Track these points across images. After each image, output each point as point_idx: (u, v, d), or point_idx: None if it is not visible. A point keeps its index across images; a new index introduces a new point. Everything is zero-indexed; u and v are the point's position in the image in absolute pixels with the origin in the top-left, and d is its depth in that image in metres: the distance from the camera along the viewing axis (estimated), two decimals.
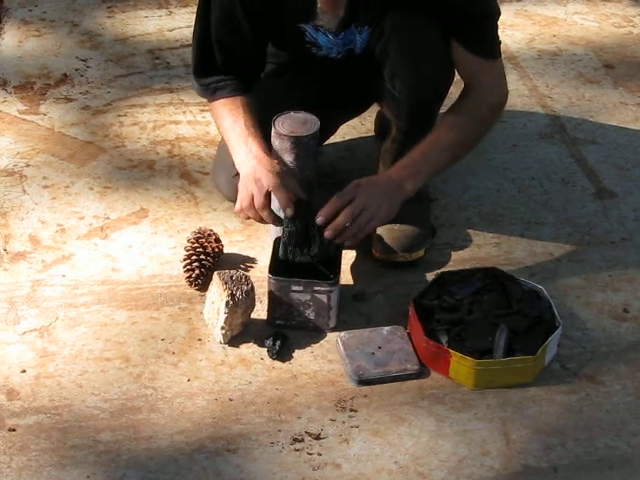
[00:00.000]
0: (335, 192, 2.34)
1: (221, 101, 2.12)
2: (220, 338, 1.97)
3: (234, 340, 1.98)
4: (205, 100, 2.57)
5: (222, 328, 1.96)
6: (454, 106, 2.10)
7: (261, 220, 2.02)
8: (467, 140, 2.08)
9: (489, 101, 2.08)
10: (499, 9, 2.05)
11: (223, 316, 1.94)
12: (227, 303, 1.93)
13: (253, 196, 1.99)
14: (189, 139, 2.52)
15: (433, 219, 2.27)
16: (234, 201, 2.23)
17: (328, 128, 2.31)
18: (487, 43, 2.05)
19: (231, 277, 1.97)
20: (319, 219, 1.96)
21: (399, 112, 2.13)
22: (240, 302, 1.95)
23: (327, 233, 1.96)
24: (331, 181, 2.38)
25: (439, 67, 2.06)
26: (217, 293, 1.96)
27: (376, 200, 1.98)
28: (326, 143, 2.37)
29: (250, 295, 1.98)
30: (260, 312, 2.04)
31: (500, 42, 2.08)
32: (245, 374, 1.92)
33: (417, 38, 2.00)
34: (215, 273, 2.00)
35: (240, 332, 1.99)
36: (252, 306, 2.00)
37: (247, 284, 1.98)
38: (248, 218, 2.05)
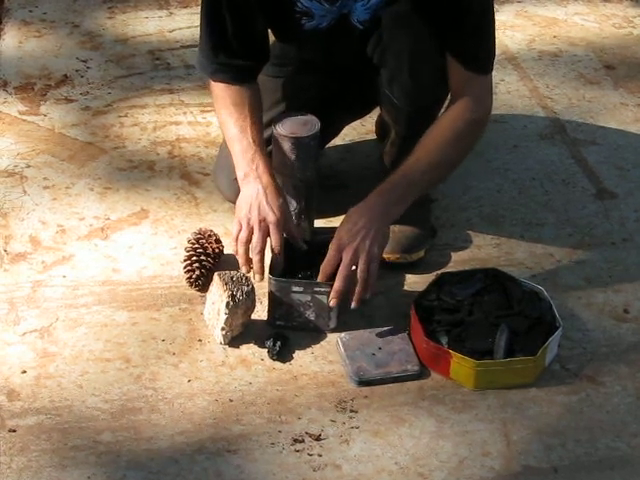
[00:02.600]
0: (335, 193, 2.35)
1: (224, 89, 2.07)
2: (220, 339, 1.97)
3: (234, 341, 1.98)
4: (206, 101, 2.58)
5: (222, 329, 1.96)
6: (435, 123, 2.06)
7: (246, 262, 1.98)
8: (447, 159, 2.05)
9: (470, 117, 2.03)
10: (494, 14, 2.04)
11: (223, 317, 1.94)
12: (227, 304, 1.93)
13: (252, 233, 1.97)
14: (189, 140, 2.52)
15: (433, 220, 2.27)
16: (234, 202, 2.25)
17: (331, 130, 2.31)
18: (480, 57, 2.04)
19: (231, 278, 1.97)
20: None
21: (397, 117, 2.13)
22: (240, 303, 1.95)
23: (332, 302, 1.95)
24: (331, 183, 2.38)
25: (438, 74, 2.04)
26: (217, 294, 1.96)
27: (364, 242, 1.94)
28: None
29: (250, 296, 1.98)
30: (260, 313, 2.04)
31: (494, 56, 2.06)
32: (245, 375, 1.92)
33: (416, 45, 1.99)
34: (215, 274, 2.00)
35: (240, 333, 1.99)
36: (252, 307, 2.00)
37: (247, 285, 1.98)
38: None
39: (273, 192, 1.99)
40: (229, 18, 2.02)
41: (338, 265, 1.95)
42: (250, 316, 2.00)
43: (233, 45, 2.05)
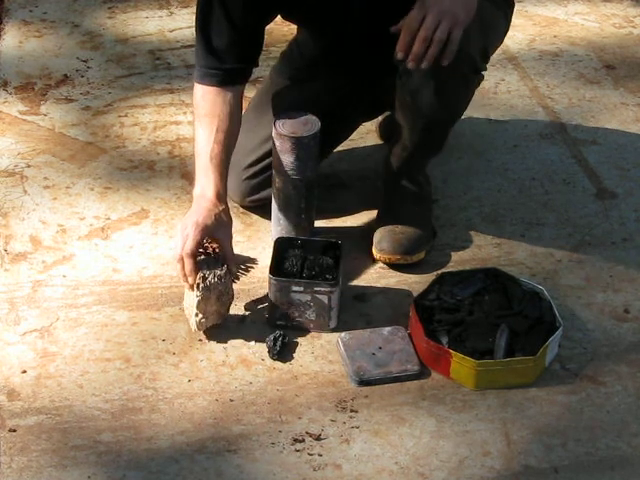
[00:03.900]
0: (335, 192, 2.36)
1: (208, 104, 2.03)
2: (195, 326, 1.95)
3: (235, 340, 1.98)
4: None
5: (196, 315, 1.93)
6: None
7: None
8: None
9: None
10: None
11: (195, 300, 1.92)
12: (198, 285, 1.92)
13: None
14: (190, 140, 2.52)
15: (434, 220, 2.27)
16: (241, 203, 2.25)
17: (343, 134, 2.33)
18: None
19: (206, 263, 1.95)
20: (399, 55, 1.85)
21: (415, 125, 2.09)
22: (212, 286, 1.93)
23: (409, 65, 1.85)
24: (331, 182, 2.38)
25: (462, 90, 2.04)
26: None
27: (453, 6, 1.84)
28: None
29: (223, 281, 1.94)
30: (261, 312, 2.04)
31: None
32: (246, 375, 1.92)
33: (443, 70, 1.91)
34: None
35: (216, 323, 1.97)
36: (227, 294, 1.97)
37: (221, 269, 1.95)
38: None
39: (209, 209, 1.96)
40: (222, 19, 2.00)
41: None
42: (228, 306, 1.98)
43: (224, 47, 2.02)
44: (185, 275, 1.94)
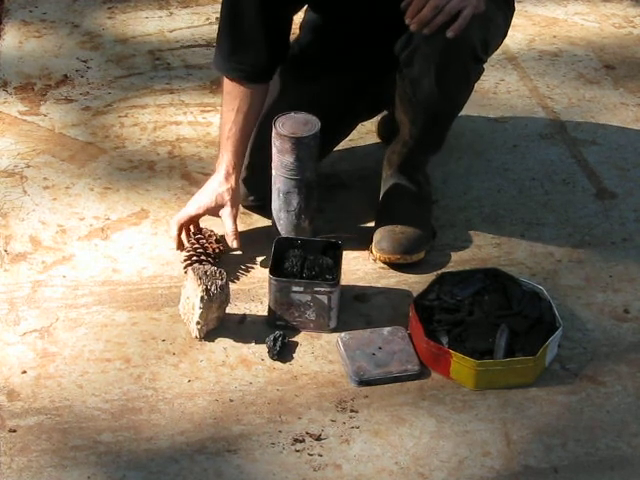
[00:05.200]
0: (335, 192, 2.36)
1: (231, 86, 2.13)
2: (196, 333, 1.97)
3: (235, 341, 1.98)
4: (206, 101, 2.58)
5: (197, 323, 1.95)
6: None
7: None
8: None
9: None
10: None
11: (198, 311, 1.94)
12: (202, 298, 1.93)
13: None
14: (190, 140, 2.52)
15: (433, 220, 2.27)
16: (241, 204, 2.26)
17: (343, 133, 2.34)
18: None
19: (205, 272, 1.97)
20: (407, 20, 1.88)
21: (415, 119, 2.10)
22: (215, 297, 1.95)
23: (412, 27, 1.88)
24: (331, 182, 2.38)
25: (463, 81, 2.04)
26: (192, 288, 1.96)
27: None
28: None
29: (225, 290, 1.97)
30: (260, 313, 2.04)
31: None
32: (246, 375, 1.92)
33: (446, 51, 1.94)
34: (189, 268, 2.00)
35: (215, 327, 1.99)
36: (227, 301, 2.00)
37: (221, 279, 1.97)
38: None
39: (211, 190, 2.13)
40: (248, 14, 2.03)
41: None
42: (225, 310, 2.00)
43: (250, 43, 2.07)
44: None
